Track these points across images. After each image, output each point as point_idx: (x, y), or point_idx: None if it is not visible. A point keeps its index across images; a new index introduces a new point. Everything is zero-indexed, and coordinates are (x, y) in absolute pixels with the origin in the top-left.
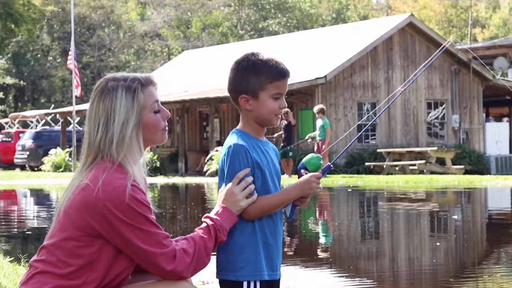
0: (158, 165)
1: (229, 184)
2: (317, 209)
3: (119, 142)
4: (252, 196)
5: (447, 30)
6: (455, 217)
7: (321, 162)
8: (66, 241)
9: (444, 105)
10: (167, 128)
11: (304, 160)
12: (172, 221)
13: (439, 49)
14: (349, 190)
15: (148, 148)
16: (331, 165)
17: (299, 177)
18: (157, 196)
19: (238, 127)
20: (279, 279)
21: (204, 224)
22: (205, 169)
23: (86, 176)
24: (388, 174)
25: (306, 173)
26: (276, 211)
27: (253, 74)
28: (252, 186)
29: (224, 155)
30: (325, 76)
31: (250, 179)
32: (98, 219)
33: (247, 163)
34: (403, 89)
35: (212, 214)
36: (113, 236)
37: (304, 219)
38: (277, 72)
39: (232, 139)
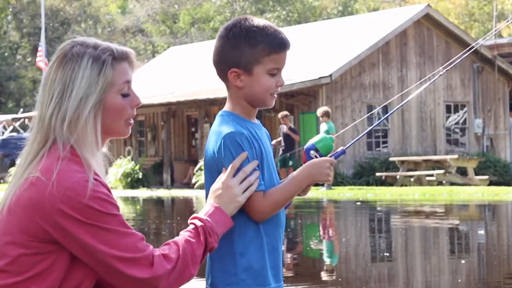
0: (140, 177)
1: (224, 176)
2: (321, 225)
3: (73, 121)
4: (250, 187)
5: (468, 24)
6: (481, 232)
7: (333, 144)
8: (10, 247)
9: (465, 108)
10: (132, 121)
11: (314, 140)
12: (156, 239)
13: None
14: (358, 203)
15: (129, 157)
16: (345, 150)
17: (305, 160)
18: (140, 211)
19: (226, 108)
20: None
21: (191, 226)
22: (193, 181)
23: (36, 166)
24: (402, 185)
25: (316, 156)
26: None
27: (246, 44)
28: (252, 178)
29: (220, 146)
30: (330, 75)
31: (248, 168)
32: (52, 222)
33: (253, 154)
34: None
35: (201, 214)
36: (71, 243)
37: (306, 236)
38: (276, 42)
39: (225, 124)
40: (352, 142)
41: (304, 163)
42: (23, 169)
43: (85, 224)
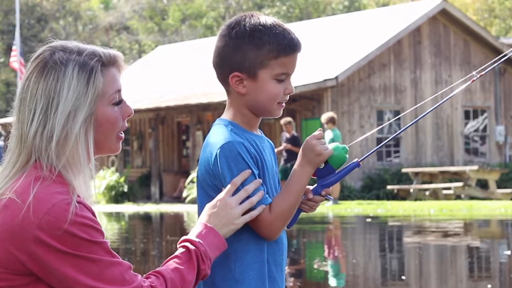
0: (125, 190)
1: (222, 193)
2: (326, 244)
3: (61, 140)
4: (251, 212)
5: (488, 21)
6: (506, 252)
7: (347, 156)
8: None
9: (485, 114)
10: (123, 135)
11: None
12: (144, 259)
13: None
14: (368, 220)
15: (112, 168)
16: (360, 163)
17: (314, 174)
18: (125, 228)
19: (224, 116)
20: None
21: (181, 250)
22: (184, 194)
23: (10, 187)
24: (416, 200)
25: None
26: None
27: (251, 45)
28: (255, 199)
29: (216, 158)
30: (336, 77)
31: (250, 187)
32: (27, 251)
33: (254, 167)
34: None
35: (192, 235)
36: (50, 275)
37: (310, 256)
38: (285, 43)
39: (222, 134)
40: (370, 153)
41: (314, 177)
42: None
43: (66, 254)
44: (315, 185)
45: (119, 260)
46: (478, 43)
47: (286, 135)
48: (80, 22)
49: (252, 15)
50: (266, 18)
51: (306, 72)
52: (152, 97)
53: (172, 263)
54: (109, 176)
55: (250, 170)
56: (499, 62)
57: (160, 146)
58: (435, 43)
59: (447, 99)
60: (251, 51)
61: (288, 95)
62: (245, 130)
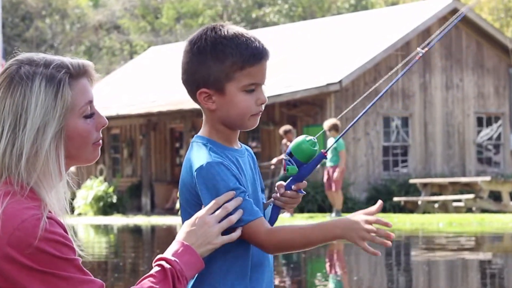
0: (114, 201)
1: (201, 211)
2: (328, 259)
3: (31, 158)
4: (231, 235)
5: (504, 21)
6: None
7: (316, 148)
8: None
9: (499, 121)
10: (100, 142)
11: (291, 145)
12: (133, 275)
13: None
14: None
15: (101, 177)
16: (325, 153)
17: (284, 169)
18: (113, 242)
19: (201, 133)
20: None
21: (156, 269)
22: (177, 206)
23: None
24: (424, 212)
25: (291, 162)
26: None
27: (214, 59)
28: (234, 218)
29: (195, 178)
30: (340, 82)
31: (231, 205)
32: None
33: (235, 188)
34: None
35: (167, 254)
36: None
37: (310, 272)
38: (248, 53)
39: (201, 153)
40: (339, 136)
41: (284, 171)
42: None
43: (36, 271)
44: (288, 180)
45: (91, 278)
46: (491, 45)
47: (287, 143)
48: (67, 21)
49: (213, 28)
50: (228, 28)
51: (308, 76)
52: (143, 101)
53: (146, 282)
54: (97, 186)
55: (234, 192)
56: (448, 28)
57: (152, 154)
58: (445, 45)
59: (392, 84)
60: (214, 65)
61: (263, 105)
62: (225, 147)
